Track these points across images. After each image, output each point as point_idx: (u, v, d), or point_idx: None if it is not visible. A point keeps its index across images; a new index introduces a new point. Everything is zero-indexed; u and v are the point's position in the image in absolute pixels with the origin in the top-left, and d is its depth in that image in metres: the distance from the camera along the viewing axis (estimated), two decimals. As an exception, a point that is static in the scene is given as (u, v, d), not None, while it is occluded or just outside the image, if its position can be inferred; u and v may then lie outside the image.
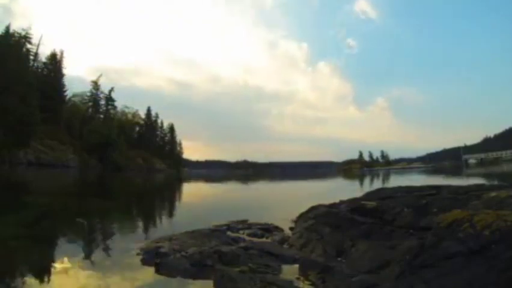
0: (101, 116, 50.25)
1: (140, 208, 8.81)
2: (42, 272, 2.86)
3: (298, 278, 2.64)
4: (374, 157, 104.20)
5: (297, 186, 20.90)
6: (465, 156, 63.27)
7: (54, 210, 6.44)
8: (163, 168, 58.13)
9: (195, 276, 2.69)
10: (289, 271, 2.81)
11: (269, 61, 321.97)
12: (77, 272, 2.91)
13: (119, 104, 55.04)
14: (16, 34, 35.55)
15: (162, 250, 3.19)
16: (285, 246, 3.81)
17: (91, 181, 19.39)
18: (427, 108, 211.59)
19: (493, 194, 3.11)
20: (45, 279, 2.71)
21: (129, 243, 3.69)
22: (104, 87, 50.91)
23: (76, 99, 50.22)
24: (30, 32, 38.46)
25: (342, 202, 4.73)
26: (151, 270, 2.88)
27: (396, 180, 22.77)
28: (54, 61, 42.13)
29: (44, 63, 41.65)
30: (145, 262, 3.06)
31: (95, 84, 49.99)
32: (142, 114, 64.07)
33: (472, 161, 59.94)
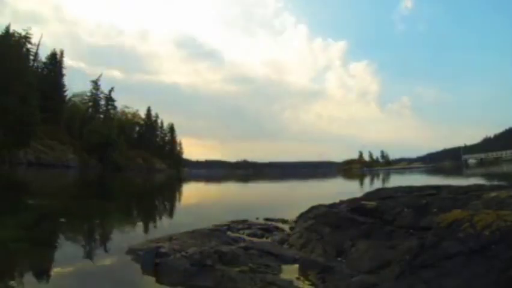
0: (101, 116, 50.30)
1: (140, 208, 8.82)
2: (43, 275, 2.86)
3: (298, 278, 2.64)
4: (374, 157, 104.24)
5: (297, 186, 20.91)
6: (465, 156, 63.33)
7: (54, 212, 6.42)
8: (163, 168, 58.16)
9: (195, 276, 2.69)
10: (289, 271, 2.81)
11: (298, 56, 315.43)
12: (77, 273, 2.91)
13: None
14: (16, 34, 35.60)
15: (162, 250, 3.18)
16: (285, 246, 3.81)
17: (91, 181, 19.39)
18: (427, 108, 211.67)
19: (493, 194, 3.10)
20: (46, 282, 2.72)
21: (129, 243, 3.68)
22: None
23: (76, 99, 50.31)
24: (30, 32, 38.56)
25: (342, 202, 4.73)
26: (151, 270, 2.88)
27: (396, 180, 22.78)
28: (54, 61, 42.14)
29: (44, 63, 41.69)
30: (145, 262, 3.06)
31: (95, 84, 50.04)
32: (142, 114, 64.13)
33: (472, 161, 59.97)
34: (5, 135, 26.47)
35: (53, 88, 38.84)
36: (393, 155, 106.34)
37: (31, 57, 39.02)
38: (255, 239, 4.20)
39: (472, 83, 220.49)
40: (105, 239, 4.54)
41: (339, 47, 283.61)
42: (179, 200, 12.14)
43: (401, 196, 4.06)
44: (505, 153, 52.41)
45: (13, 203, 7.19)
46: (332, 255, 3.11)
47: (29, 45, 38.73)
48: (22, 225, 4.67)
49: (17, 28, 36.70)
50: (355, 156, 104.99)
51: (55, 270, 2.98)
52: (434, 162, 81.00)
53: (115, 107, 53.38)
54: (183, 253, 3.06)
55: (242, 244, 3.60)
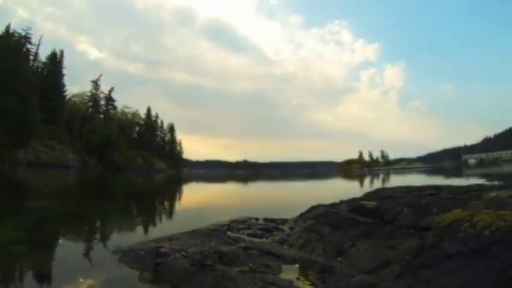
0: (101, 116, 50.33)
1: (140, 208, 8.82)
2: (44, 278, 2.86)
3: (298, 278, 2.64)
4: (374, 157, 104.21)
5: (297, 186, 20.91)
6: (465, 156, 63.32)
7: (55, 213, 6.41)
8: (163, 168, 58.17)
9: (194, 276, 2.69)
10: (289, 271, 2.80)
11: (331, 55, 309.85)
12: (78, 274, 2.91)
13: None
14: (16, 34, 35.63)
15: (162, 250, 3.19)
16: (285, 246, 3.81)
17: (90, 181, 19.39)
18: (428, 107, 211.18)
19: (493, 194, 3.10)
20: (47, 284, 2.72)
21: (129, 243, 3.68)
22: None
23: (76, 99, 50.38)
24: (30, 32, 38.58)
25: (342, 202, 4.73)
26: (151, 270, 2.88)
27: (396, 180, 22.78)
28: (54, 61, 42.14)
29: (44, 63, 41.69)
30: (145, 262, 3.06)
31: (95, 84, 50.07)
32: (142, 113, 64.13)
33: (472, 161, 59.96)
34: (5, 135, 26.47)
35: (53, 88, 38.85)
36: (393, 155, 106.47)
37: (31, 57, 39.03)
38: (255, 239, 4.19)
39: (473, 82, 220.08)
40: (105, 239, 4.54)
41: (371, 48, 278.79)
42: (179, 200, 12.14)
43: (401, 196, 4.06)
44: (505, 153, 52.41)
45: (13, 204, 7.19)
46: (332, 255, 3.11)
47: (29, 45, 38.79)
48: (22, 226, 4.66)
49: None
50: (355, 156, 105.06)
51: (55, 273, 2.98)
52: (434, 162, 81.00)
53: (115, 107, 53.48)
54: (183, 253, 3.06)
55: (242, 244, 3.60)
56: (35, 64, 40.19)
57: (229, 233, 4.47)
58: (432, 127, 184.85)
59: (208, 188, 19.91)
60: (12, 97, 26.45)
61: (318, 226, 3.85)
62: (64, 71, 42.86)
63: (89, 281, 2.73)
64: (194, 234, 4.01)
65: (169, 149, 70.51)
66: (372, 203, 3.92)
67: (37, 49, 40.29)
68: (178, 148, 74.93)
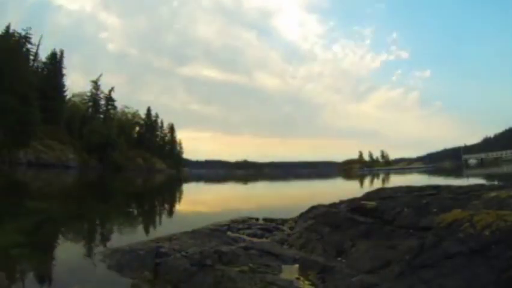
0: (101, 116, 50.28)
1: (141, 209, 8.82)
2: (44, 280, 2.86)
3: (298, 278, 2.64)
4: (374, 157, 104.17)
5: (297, 186, 20.90)
6: (465, 156, 63.18)
7: (55, 215, 6.40)
8: (163, 168, 58.12)
9: (194, 276, 2.69)
10: (289, 271, 2.80)
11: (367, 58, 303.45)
12: (78, 275, 2.91)
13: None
14: (16, 34, 35.60)
15: (162, 250, 3.19)
16: (285, 246, 3.81)
17: (91, 182, 19.39)
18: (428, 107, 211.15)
19: (493, 194, 3.10)
20: (48, 287, 2.71)
21: (130, 243, 3.68)
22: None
23: (76, 99, 50.27)
24: (30, 32, 38.56)
25: (342, 202, 4.73)
26: (151, 270, 2.88)
27: (397, 180, 22.78)
28: (54, 61, 42.11)
29: (44, 63, 41.65)
30: (145, 262, 3.06)
31: (95, 84, 50.05)
32: (142, 113, 64.11)
33: (472, 161, 59.88)
34: (5, 135, 26.47)
35: (53, 88, 38.78)
36: (393, 155, 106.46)
37: (31, 57, 39.01)
38: (255, 239, 4.19)
39: (473, 82, 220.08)
40: (105, 239, 4.55)
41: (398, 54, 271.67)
42: (180, 200, 12.15)
43: (401, 196, 4.06)
44: (505, 153, 52.30)
45: (13, 205, 7.16)
46: (332, 255, 3.11)
47: (29, 45, 38.76)
48: (22, 229, 4.64)
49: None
50: (356, 156, 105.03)
51: (56, 275, 2.98)
52: (434, 162, 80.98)
53: (115, 107, 53.39)
54: (183, 253, 3.06)
55: (242, 244, 3.60)
56: (35, 64, 40.16)
57: (229, 233, 4.47)
58: (432, 127, 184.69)
59: (208, 188, 19.91)
60: (12, 97, 26.44)
61: (318, 226, 3.85)
62: (64, 71, 42.93)
63: (89, 281, 2.73)
64: (194, 234, 4.01)
65: (169, 149, 70.45)
66: (372, 203, 3.92)
67: (37, 49, 40.29)
68: (178, 148, 74.94)
